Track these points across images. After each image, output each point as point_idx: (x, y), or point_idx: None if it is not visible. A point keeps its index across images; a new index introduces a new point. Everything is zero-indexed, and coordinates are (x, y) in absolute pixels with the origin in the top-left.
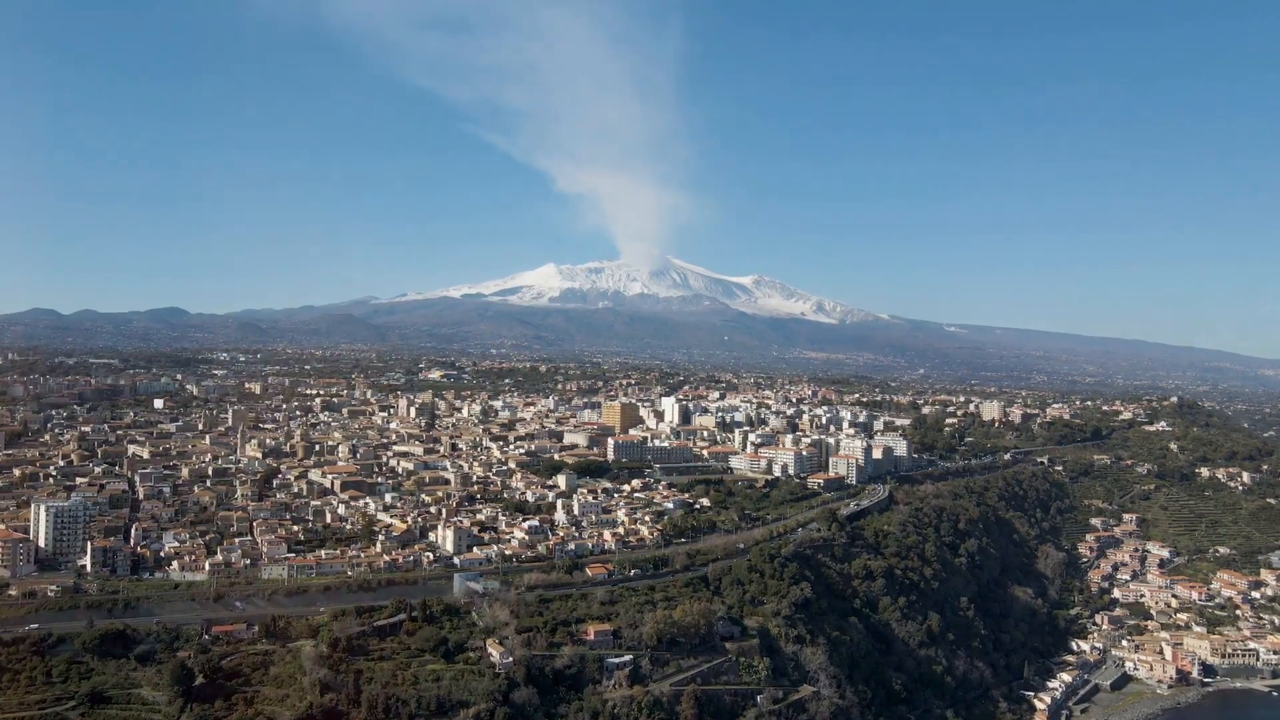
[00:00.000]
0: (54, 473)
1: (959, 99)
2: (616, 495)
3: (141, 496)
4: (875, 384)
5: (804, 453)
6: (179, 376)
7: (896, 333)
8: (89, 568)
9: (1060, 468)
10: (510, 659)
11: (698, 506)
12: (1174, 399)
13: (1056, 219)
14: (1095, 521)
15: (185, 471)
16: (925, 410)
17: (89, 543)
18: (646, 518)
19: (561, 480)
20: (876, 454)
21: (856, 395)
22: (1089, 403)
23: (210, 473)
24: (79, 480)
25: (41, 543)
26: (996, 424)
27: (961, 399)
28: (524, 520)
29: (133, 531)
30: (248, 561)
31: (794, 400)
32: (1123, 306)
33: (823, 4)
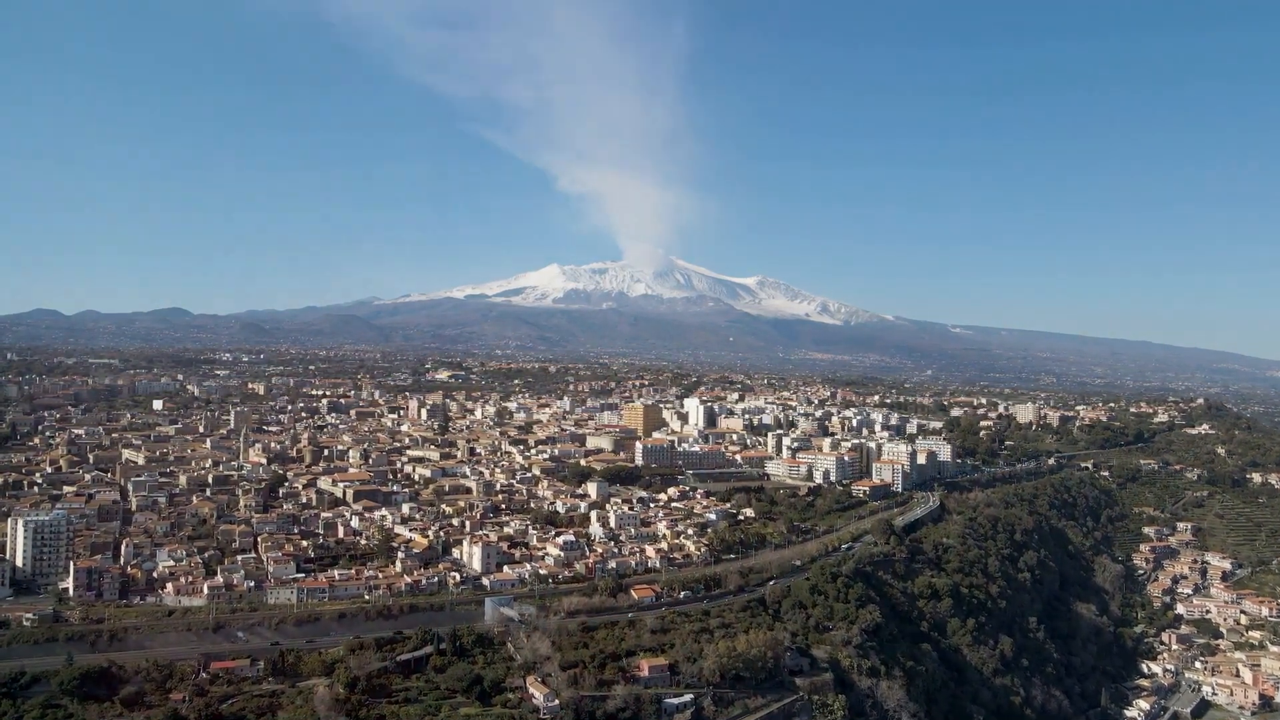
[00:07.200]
0: (40, 480)
1: (961, 103)
2: (653, 505)
3: (134, 507)
4: (889, 385)
5: (845, 458)
6: (180, 377)
7: (901, 334)
8: (71, 591)
9: (1106, 473)
10: (556, 701)
11: (741, 518)
12: (1201, 400)
13: (1060, 220)
14: (1148, 530)
15: (183, 479)
16: (955, 413)
17: (72, 562)
18: (690, 531)
19: (592, 489)
20: (920, 459)
21: (877, 397)
22: (1113, 404)
23: (210, 480)
24: (66, 489)
25: (19, 562)
26: (1034, 427)
27: (984, 400)
28: (556, 534)
29: (123, 548)
30: (251, 584)
31: (815, 401)
32: (1127, 307)
33: (828, 6)
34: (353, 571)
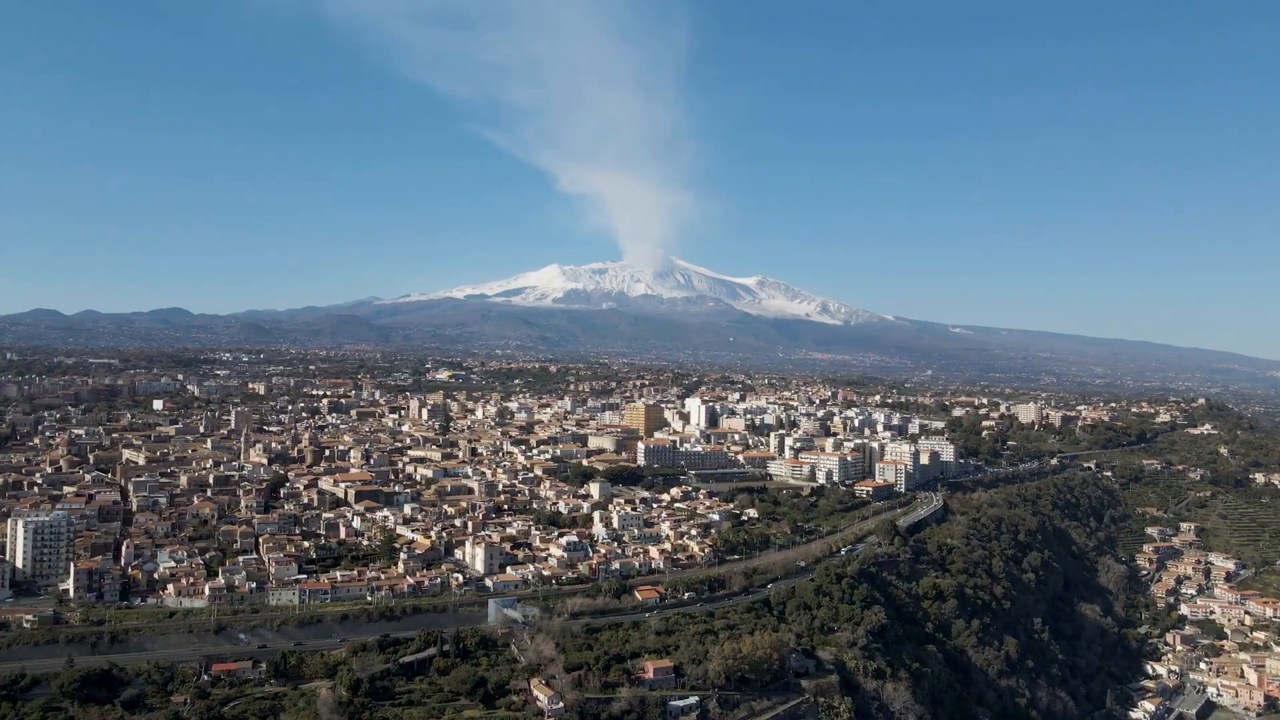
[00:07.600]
0: (40, 480)
1: (961, 103)
2: (655, 505)
3: (135, 508)
4: (890, 385)
5: (848, 458)
6: (180, 377)
7: (901, 334)
8: (72, 592)
9: (1109, 473)
10: (560, 704)
11: (745, 518)
12: (1202, 401)
13: (1060, 220)
14: (1151, 531)
15: (184, 479)
16: (956, 413)
17: (73, 563)
18: (693, 531)
19: (595, 489)
20: (924, 459)
21: (878, 397)
22: (1114, 404)
23: (211, 481)
24: (66, 489)
25: (19, 563)
26: (1036, 427)
27: (986, 400)
28: (559, 535)
29: (124, 549)
30: (253, 585)
31: (816, 401)
32: (1127, 307)
33: (828, 7)
34: (355, 572)
